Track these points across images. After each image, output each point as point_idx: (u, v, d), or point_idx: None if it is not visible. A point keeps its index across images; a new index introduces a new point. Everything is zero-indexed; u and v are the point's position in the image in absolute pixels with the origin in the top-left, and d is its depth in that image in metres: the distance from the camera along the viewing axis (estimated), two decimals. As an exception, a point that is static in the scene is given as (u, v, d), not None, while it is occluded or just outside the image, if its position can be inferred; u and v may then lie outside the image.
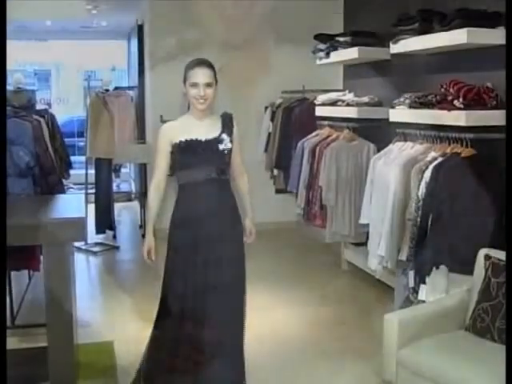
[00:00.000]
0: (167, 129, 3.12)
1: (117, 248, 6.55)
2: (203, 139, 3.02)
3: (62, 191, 4.31)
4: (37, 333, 3.89)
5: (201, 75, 2.99)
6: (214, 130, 3.07)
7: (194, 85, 2.98)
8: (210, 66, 3.06)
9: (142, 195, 7.53)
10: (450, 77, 3.87)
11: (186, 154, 3.02)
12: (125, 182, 10.04)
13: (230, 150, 3.09)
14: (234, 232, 3.15)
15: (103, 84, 8.27)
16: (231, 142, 3.08)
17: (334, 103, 5.53)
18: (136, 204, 8.99)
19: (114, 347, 3.93)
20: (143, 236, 6.96)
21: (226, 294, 3.06)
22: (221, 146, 3.04)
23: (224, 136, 3.06)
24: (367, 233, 5.18)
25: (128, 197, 9.37)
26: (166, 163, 3.10)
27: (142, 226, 7.31)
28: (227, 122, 3.12)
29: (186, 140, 3.00)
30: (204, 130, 3.06)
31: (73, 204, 3.24)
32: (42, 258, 3.25)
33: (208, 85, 2.99)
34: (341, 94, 5.61)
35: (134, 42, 8.35)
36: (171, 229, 3.13)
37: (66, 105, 12.10)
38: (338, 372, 3.65)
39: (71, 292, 2.92)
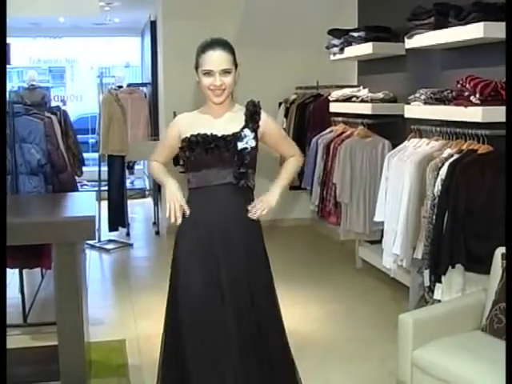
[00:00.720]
0: (180, 119, 2.67)
1: (130, 245, 6.54)
2: (219, 135, 2.52)
3: (75, 189, 4.29)
4: (49, 331, 3.90)
5: (216, 61, 2.47)
6: (235, 125, 2.56)
7: (208, 73, 2.48)
8: (227, 46, 2.53)
9: (156, 192, 7.53)
10: (466, 72, 3.79)
11: (196, 151, 2.52)
12: (139, 178, 10.05)
13: (254, 149, 2.56)
14: (253, 257, 2.61)
15: (116, 80, 8.30)
16: (256, 138, 2.56)
17: (348, 99, 5.46)
18: (150, 201, 9.01)
19: (126, 345, 3.91)
20: (157, 233, 7.06)
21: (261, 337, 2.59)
22: (240, 145, 2.50)
23: (246, 132, 2.54)
24: (382, 230, 5.13)
25: (142, 194, 9.39)
26: (166, 157, 2.72)
27: (156, 223, 7.32)
28: (252, 114, 2.58)
29: (198, 134, 2.51)
30: (222, 124, 2.56)
31: (84, 202, 3.22)
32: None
33: (225, 72, 2.48)
34: (355, 89, 5.54)
35: (148, 39, 8.35)
36: (177, 241, 2.65)
37: (79, 102, 12.12)
38: (352, 371, 3.61)
39: (81, 290, 2.89)
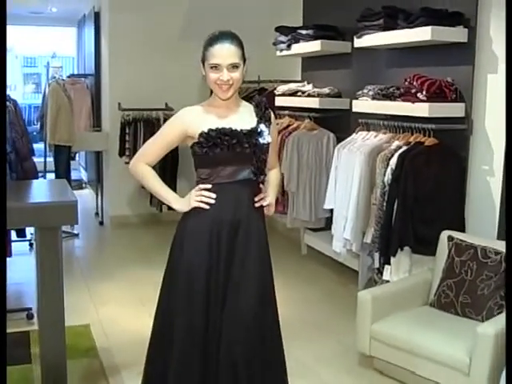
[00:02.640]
0: (185, 115, 2.50)
1: (76, 235, 6.56)
2: (239, 129, 2.43)
3: (37, 177, 4.34)
4: (11, 318, 3.96)
5: (223, 55, 2.37)
6: (251, 120, 2.48)
7: (215, 67, 2.38)
8: (236, 40, 2.42)
9: (98, 183, 7.56)
10: (410, 71, 4.12)
11: (219, 146, 2.40)
12: (74, 170, 9.95)
13: (270, 145, 2.52)
14: (262, 255, 2.56)
15: (54, 71, 8.21)
16: (270, 134, 2.50)
17: (293, 93, 5.71)
18: (88, 192, 8.99)
19: (91, 329, 4.02)
20: (101, 223, 7.10)
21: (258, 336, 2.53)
22: (261, 140, 2.44)
23: (263, 127, 2.47)
24: (326, 218, 5.45)
25: (80, 185, 9.33)
26: (158, 156, 2.58)
27: (98, 214, 7.35)
28: (264, 110, 2.52)
29: (217, 128, 2.40)
30: (238, 119, 2.47)
31: (60, 188, 3.30)
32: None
33: (233, 66, 2.38)
34: (300, 84, 5.80)
35: (87, 30, 8.32)
36: (177, 244, 2.56)
37: (14, 91, 11.86)
38: (313, 350, 3.82)
39: (62, 275, 2.99)
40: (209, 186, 2.47)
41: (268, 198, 2.59)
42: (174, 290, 2.52)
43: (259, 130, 2.46)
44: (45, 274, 2.95)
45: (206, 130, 2.41)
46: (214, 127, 2.41)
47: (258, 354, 2.51)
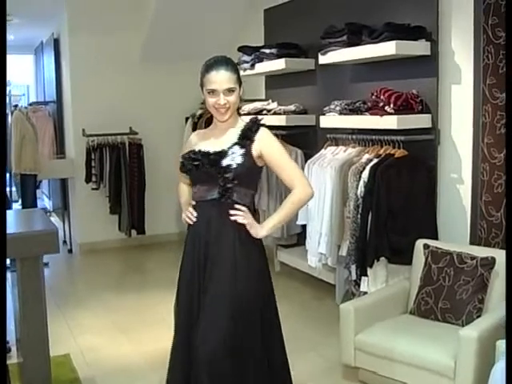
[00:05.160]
0: (192, 137, 2.78)
1: (46, 264, 6.44)
2: (211, 151, 2.58)
3: (10, 207, 4.27)
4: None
5: (219, 80, 2.50)
6: (228, 141, 2.58)
7: (212, 92, 2.52)
8: (230, 65, 2.56)
9: (64, 210, 7.47)
10: (375, 85, 4.22)
11: (188, 167, 2.61)
12: (38, 198, 9.80)
13: (243, 166, 2.52)
14: (236, 273, 2.55)
15: (13, 100, 8.12)
16: (246, 155, 2.53)
17: (259, 112, 5.77)
18: (54, 220, 8.85)
19: (72, 360, 3.96)
20: (69, 251, 7.00)
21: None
22: (224, 161, 2.51)
23: (235, 148, 2.53)
24: (298, 235, 5.50)
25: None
26: (185, 177, 2.74)
27: (66, 242, 7.25)
28: (246, 130, 2.59)
29: (190, 151, 2.63)
30: (220, 140, 2.61)
31: (37, 217, 3.27)
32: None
33: (229, 90, 2.52)
34: (265, 103, 5.86)
35: (46, 56, 8.26)
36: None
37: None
38: (293, 364, 3.85)
39: (45, 304, 2.96)
40: (193, 203, 2.68)
41: (242, 216, 2.54)
42: (176, 304, 2.73)
43: (229, 151, 2.54)
44: (27, 304, 2.92)
45: (185, 153, 2.66)
46: (196, 149, 2.63)
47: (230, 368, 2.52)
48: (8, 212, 3.68)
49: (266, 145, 2.58)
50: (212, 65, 2.55)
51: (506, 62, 3.49)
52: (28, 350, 2.98)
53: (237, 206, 2.56)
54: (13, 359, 3.85)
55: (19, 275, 2.91)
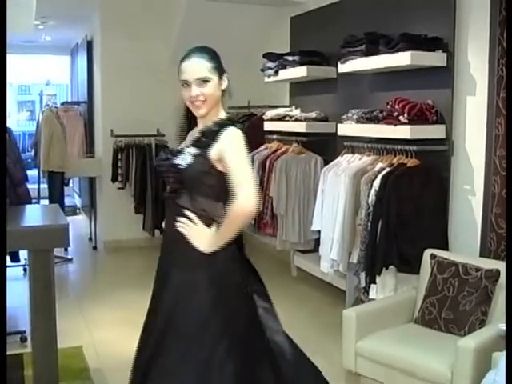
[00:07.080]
0: (188, 136, 2.49)
1: (70, 260, 6.63)
2: (175, 149, 2.39)
3: (31, 202, 4.43)
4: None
5: (190, 70, 2.27)
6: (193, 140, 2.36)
7: (185, 83, 2.28)
8: (205, 53, 2.31)
9: (91, 208, 7.65)
10: (393, 94, 4.25)
11: (157, 165, 2.48)
12: (68, 196, 10.05)
13: (191, 168, 2.25)
14: (183, 276, 2.36)
15: (47, 99, 8.35)
16: (201, 156, 2.24)
17: (282, 118, 5.85)
18: (81, 218, 9.07)
19: (83, 351, 4.08)
20: (94, 248, 7.17)
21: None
22: (176, 160, 2.27)
23: (191, 149, 2.27)
24: (315, 240, 5.54)
25: (73, 211, 9.42)
26: None
27: (92, 239, 7.42)
28: (210, 131, 2.27)
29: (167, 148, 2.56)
30: (190, 139, 2.39)
31: (53, 213, 3.40)
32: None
33: (204, 81, 2.25)
34: (288, 109, 5.93)
35: (80, 58, 8.48)
36: None
37: (8, 119, 11.95)
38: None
39: (55, 295, 3.08)
40: None
41: (185, 226, 2.30)
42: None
43: (186, 150, 2.29)
44: (37, 294, 3.04)
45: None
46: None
47: None
48: (27, 207, 3.84)
49: (223, 148, 2.22)
50: (186, 55, 2.31)
51: (506, 62, 3.49)
52: (37, 340, 3.10)
53: (187, 213, 2.29)
54: (28, 348, 4.00)
55: (30, 267, 3.03)
